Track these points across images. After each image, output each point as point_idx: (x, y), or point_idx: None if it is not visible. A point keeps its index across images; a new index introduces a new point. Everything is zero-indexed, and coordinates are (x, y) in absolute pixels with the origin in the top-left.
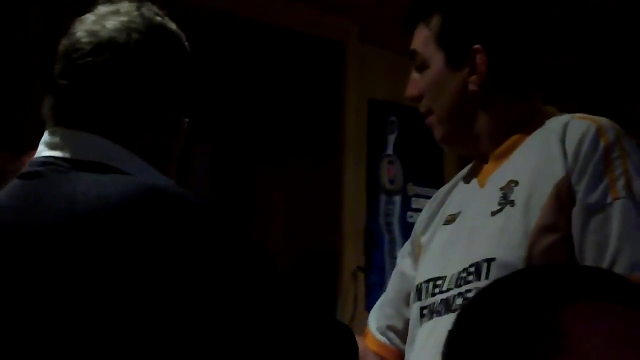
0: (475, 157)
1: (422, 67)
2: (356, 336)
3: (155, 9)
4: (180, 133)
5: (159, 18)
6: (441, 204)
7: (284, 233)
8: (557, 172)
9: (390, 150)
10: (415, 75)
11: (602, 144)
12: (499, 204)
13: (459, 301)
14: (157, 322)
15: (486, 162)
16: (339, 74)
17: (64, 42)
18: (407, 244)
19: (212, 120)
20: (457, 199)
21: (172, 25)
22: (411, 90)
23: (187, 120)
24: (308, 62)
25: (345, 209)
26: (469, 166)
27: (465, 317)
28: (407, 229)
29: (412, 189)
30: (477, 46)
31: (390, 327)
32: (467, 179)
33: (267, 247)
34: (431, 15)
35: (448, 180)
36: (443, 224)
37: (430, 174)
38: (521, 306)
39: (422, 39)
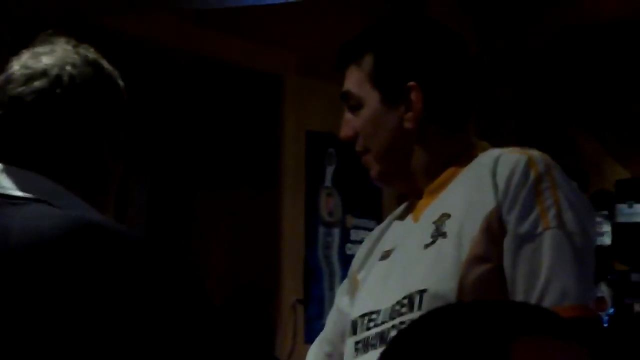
0: (410, 194)
1: (357, 107)
2: None
3: (91, 49)
4: (115, 168)
5: (93, 56)
6: (377, 241)
7: (222, 265)
8: (488, 203)
9: (328, 182)
10: (348, 116)
11: (532, 175)
12: (432, 236)
13: (394, 333)
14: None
15: (420, 198)
16: (277, 106)
17: (0, 78)
18: (345, 282)
19: (150, 151)
20: (391, 236)
21: (106, 64)
22: (346, 131)
23: (121, 158)
24: (246, 95)
25: (283, 241)
26: (404, 204)
27: (394, 349)
28: (345, 261)
29: (350, 220)
30: (412, 83)
31: None
32: (402, 216)
33: (205, 279)
34: (362, 55)
35: (387, 212)
36: (378, 260)
37: (369, 205)
38: (463, 340)
39: (355, 80)
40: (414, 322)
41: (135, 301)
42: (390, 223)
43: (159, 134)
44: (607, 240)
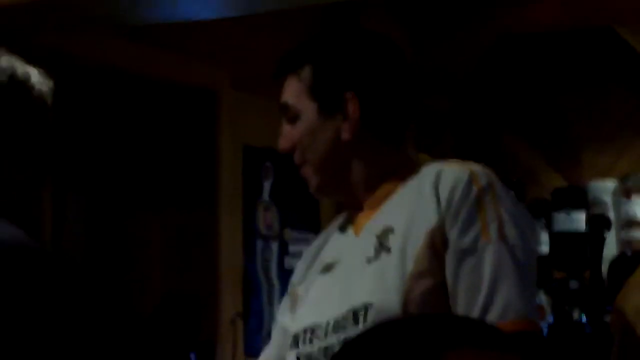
0: (350, 206)
1: (294, 118)
2: None
3: (17, 61)
4: (19, 177)
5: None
6: (317, 254)
7: (161, 282)
8: (431, 218)
9: (266, 196)
10: (287, 127)
11: (474, 189)
12: (375, 251)
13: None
14: None
15: (361, 210)
16: (213, 121)
17: None
18: (285, 298)
19: (86, 170)
20: (333, 248)
21: (27, 76)
22: (284, 143)
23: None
24: (182, 111)
25: (222, 255)
26: (343, 215)
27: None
28: (284, 274)
29: (288, 234)
30: (348, 94)
31: None
32: (342, 228)
33: (144, 297)
34: (301, 66)
35: (325, 224)
36: (320, 273)
37: (306, 218)
38: (402, 352)
39: (293, 91)
40: (354, 338)
41: (34, 315)
42: (330, 234)
43: (95, 152)
44: (544, 248)
